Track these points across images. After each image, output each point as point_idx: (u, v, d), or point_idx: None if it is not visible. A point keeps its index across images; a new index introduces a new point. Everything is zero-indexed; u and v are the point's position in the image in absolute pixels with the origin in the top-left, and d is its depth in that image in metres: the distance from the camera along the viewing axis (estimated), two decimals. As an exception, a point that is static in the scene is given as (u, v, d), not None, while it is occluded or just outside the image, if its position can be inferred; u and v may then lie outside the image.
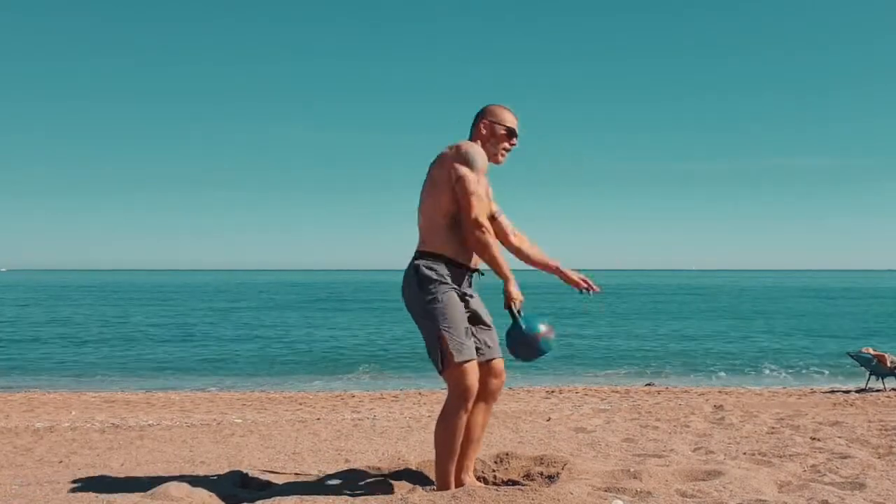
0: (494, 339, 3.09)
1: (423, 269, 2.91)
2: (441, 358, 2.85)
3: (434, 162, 3.00)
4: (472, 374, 2.88)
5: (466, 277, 3.03)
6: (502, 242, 3.23)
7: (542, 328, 2.97)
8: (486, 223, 2.87)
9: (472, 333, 2.96)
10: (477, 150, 2.96)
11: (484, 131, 3.08)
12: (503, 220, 3.24)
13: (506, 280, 2.89)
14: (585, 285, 3.20)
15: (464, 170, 2.89)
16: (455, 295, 2.93)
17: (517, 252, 3.28)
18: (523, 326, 2.94)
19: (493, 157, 3.09)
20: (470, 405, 2.90)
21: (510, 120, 3.10)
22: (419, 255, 2.97)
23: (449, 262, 2.94)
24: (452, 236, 2.94)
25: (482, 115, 3.11)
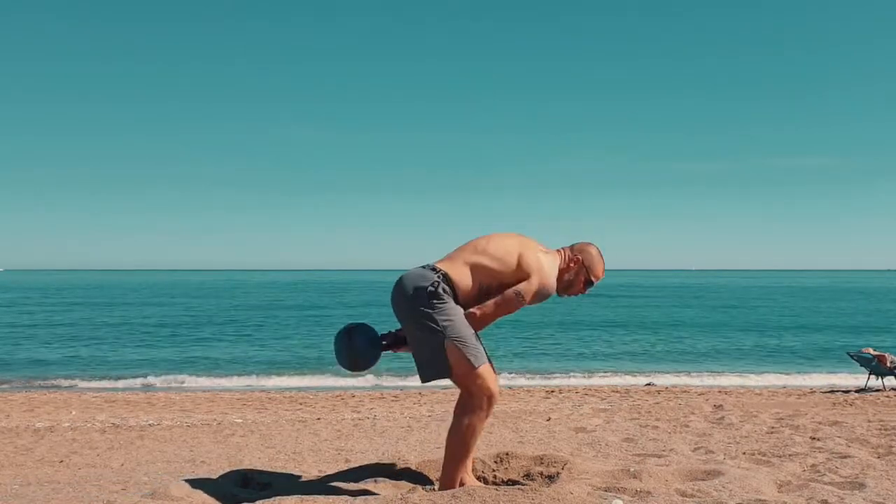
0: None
1: (439, 286, 2.91)
2: (454, 366, 2.87)
3: (526, 251, 3.04)
4: (493, 377, 2.94)
5: None
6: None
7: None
8: (519, 308, 3.02)
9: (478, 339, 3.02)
10: (548, 292, 3.07)
11: (572, 266, 3.15)
12: None
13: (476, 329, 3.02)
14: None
15: (530, 297, 3.00)
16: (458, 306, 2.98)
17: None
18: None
19: (565, 291, 3.19)
20: (492, 409, 2.96)
21: (598, 276, 3.19)
22: (439, 273, 2.96)
23: (456, 299, 2.97)
24: (475, 291, 3.01)
25: (580, 251, 3.19)
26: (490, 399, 2.91)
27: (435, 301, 2.90)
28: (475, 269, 3.01)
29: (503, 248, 3.03)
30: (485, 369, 2.90)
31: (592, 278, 3.18)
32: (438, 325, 2.88)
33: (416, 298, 2.93)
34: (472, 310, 3.00)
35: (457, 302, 2.97)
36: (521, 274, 3.00)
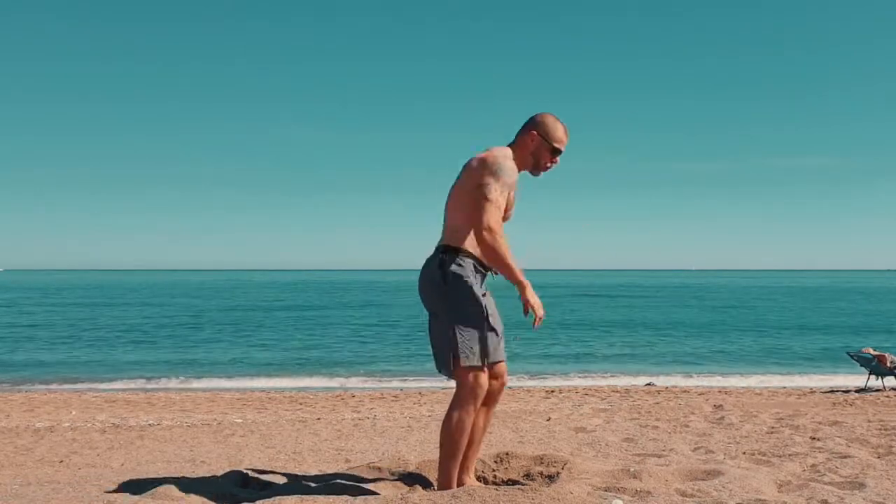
0: (500, 341, 3.06)
1: (451, 264, 2.87)
2: (471, 355, 2.84)
3: (466, 164, 2.97)
4: (483, 375, 2.88)
5: (484, 277, 3.01)
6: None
7: None
8: (498, 229, 2.81)
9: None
10: (507, 164, 2.90)
11: (531, 143, 3.02)
12: (509, 216, 3.19)
13: (521, 287, 2.81)
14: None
15: (488, 179, 2.85)
16: (478, 295, 2.91)
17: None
18: None
19: (532, 170, 3.07)
20: (478, 405, 2.91)
21: (560, 139, 3.03)
22: (445, 249, 2.92)
23: (473, 260, 2.92)
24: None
25: (534, 124, 3.03)
26: (472, 394, 2.86)
27: (457, 283, 2.86)
28: (454, 217, 2.95)
29: (461, 179, 2.95)
30: (477, 369, 2.86)
31: (555, 145, 3.02)
32: (453, 312, 2.86)
33: (430, 282, 2.92)
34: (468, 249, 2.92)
35: (479, 265, 2.92)
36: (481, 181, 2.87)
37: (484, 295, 2.99)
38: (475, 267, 2.93)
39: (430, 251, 3.02)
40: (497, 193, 2.84)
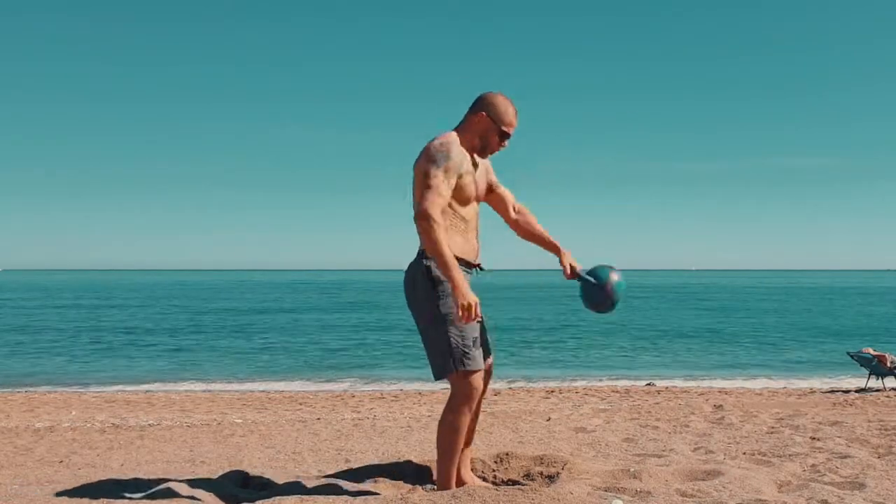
0: (487, 339, 3.03)
1: (434, 269, 2.81)
2: (446, 363, 2.82)
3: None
4: (477, 378, 2.86)
5: (470, 273, 2.96)
6: (501, 215, 3.19)
7: (613, 276, 3.07)
8: (434, 215, 2.70)
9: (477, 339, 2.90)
10: (449, 149, 2.80)
11: (478, 124, 2.92)
12: (502, 191, 3.16)
13: (451, 283, 2.68)
14: (570, 273, 3.14)
15: (427, 166, 2.77)
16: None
17: (516, 226, 3.19)
18: (594, 280, 3.07)
19: (480, 153, 2.96)
20: (474, 406, 2.90)
21: (508, 121, 2.93)
22: (425, 254, 2.84)
23: (459, 261, 2.83)
24: (456, 233, 2.87)
25: (483, 105, 2.93)
26: (468, 396, 2.84)
27: (440, 289, 2.81)
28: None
29: (413, 176, 2.87)
30: (473, 372, 2.84)
31: (504, 128, 2.91)
32: (439, 319, 2.82)
33: (414, 288, 2.89)
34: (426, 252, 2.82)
35: (458, 255, 2.81)
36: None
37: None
38: (460, 266, 2.83)
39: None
40: (438, 180, 2.75)
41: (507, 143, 2.98)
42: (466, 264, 2.93)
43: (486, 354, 3.00)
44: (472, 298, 2.68)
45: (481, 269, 3.03)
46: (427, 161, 2.79)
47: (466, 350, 2.81)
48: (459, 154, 2.84)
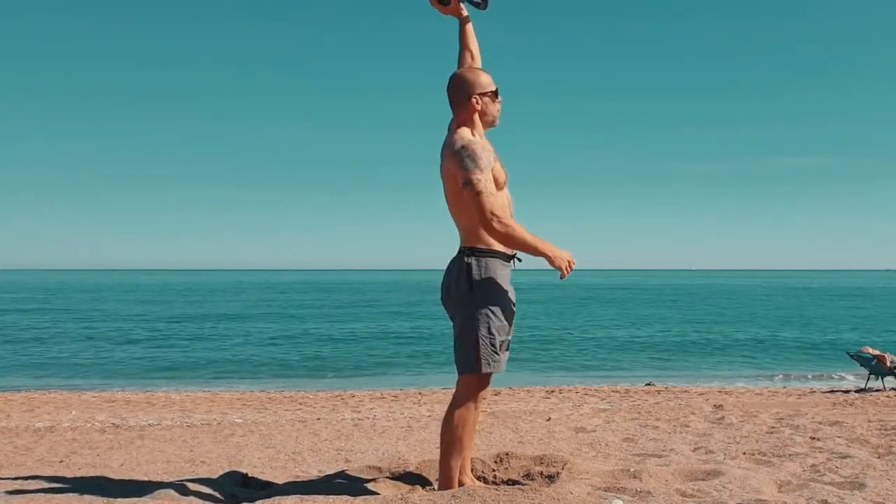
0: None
1: (476, 267, 2.84)
2: (470, 362, 2.83)
3: (442, 164, 2.91)
4: (488, 377, 2.90)
5: (510, 266, 2.97)
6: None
7: None
8: (503, 214, 2.75)
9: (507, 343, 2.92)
10: (477, 148, 2.81)
11: (476, 107, 2.94)
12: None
13: (548, 258, 2.80)
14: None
15: (467, 173, 2.77)
16: (506, 299, 2.89)
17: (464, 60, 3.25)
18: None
19: (492, 125, 3.01)
20: (479, 405, 2.92)
21: (489, 82, 2.97)
22: (469, 251, 2.87)
23: (497, 256, 2.87)
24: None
25: (466, 88, 2.94)
26: (476, 395, 2.87)
27: (482, 288, 2.83)
28: (463, 216, 2.88)
29: (447, 183, 2.90)
30: (487, 372, 2.85)
31: (491, 89, 2.95)
32: (475, 317, 2.83)
33: (457, 285, 2.88)
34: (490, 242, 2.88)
35: (501, 249, 2.87)
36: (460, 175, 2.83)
37: (507, 292, 2.95)
38: (501, 262, 2.89)
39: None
40: (483, 182, 2.77)
41: (500, 98, 3.01)
42: (505, 256, 2.93)
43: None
44: (566, 254, 2.82)
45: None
46: (462, 168, 2.79)
47: (494, 352, 2.83)
48: (483, 148, 2.86)
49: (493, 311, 2.84)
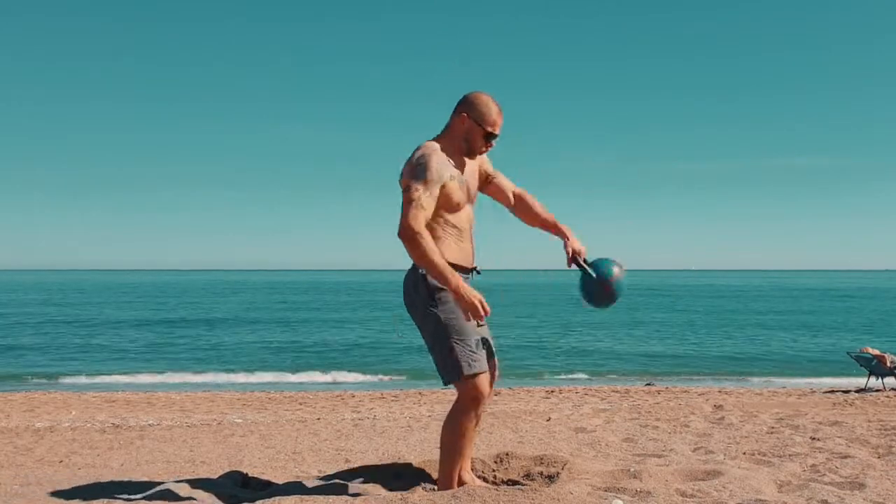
0: (489, 340, 3.02)
1: (429, 279, 2.81)
2: (451, 369, 2.81)
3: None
4: (483, 382, 2.86)
5: (468, 278, 2.96)
6: (502, 203, 3.16)
7: (615, 271, 2.94)
8: (419, 228, 2.68)
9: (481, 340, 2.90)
10: (429, 160, 2.76)
11: (461, 126, 2.88)
12: (500, 180, 3.14)
13: (450, 289, 2.69)
14: (571, 259, 3.03)
15: (409, 181, 2.75)
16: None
17: (517, 210, 3.16)
18: (594, 274, 2.91)
19: (468, 155, 2.92)
20: (481, 410, 2.89)
21: (492, 121, 2.87)
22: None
23: (457, 270, 2.82)
24: (449, 241, 2.87)
25: (465, 106, 2.88)
26: (475, 400, 2.84)
27: (438, 296, 2.81)
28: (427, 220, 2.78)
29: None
30: (479, 375, 2.83)
31: (489, 129, 2.86)
32: (439, 325, 2.82)
33: (415, 295, 2.88)
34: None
35: (454, 262, 2.80)
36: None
37: None
38: (457, 272, 2.82)
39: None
40: (418, 193, 2.72)
41: (493, 143, 2.94)
42: (462, 269, 2.91)
43: (490, 356, 3.00)
44: (476, 295, 2.69)
45: (478, 272, 3.03)
46: (408, 177, 2.78)
47: (471, 352, 2.81)
48: (439, 163, 2.79)
49: (457, 313, 2.80)
